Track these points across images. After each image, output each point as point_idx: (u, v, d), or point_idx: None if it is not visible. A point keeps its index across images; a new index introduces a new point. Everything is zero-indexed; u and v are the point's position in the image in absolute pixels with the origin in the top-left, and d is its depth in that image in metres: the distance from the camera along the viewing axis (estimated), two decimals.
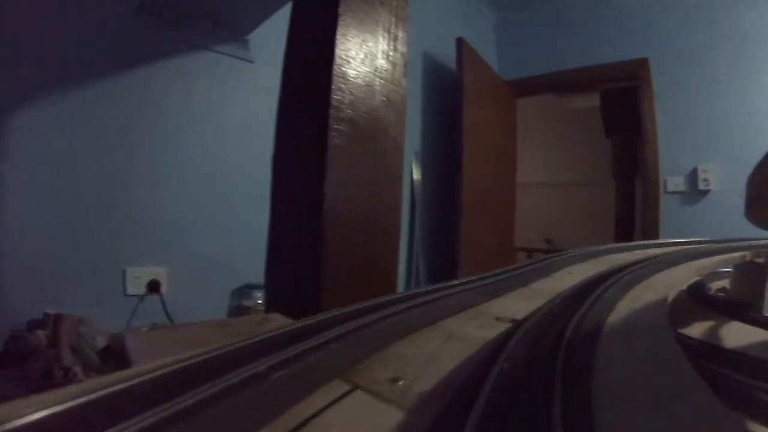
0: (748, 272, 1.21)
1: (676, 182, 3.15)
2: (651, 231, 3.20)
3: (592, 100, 4.68)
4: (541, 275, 0.85)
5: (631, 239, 4.64)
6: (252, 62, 2.26)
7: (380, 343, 0.41)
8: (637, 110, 3.44)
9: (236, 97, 2.22)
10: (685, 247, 1.33)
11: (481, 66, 3.28)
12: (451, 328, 0.47)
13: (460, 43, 3.03)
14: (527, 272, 0.84)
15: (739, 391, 0.56)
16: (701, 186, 3.06)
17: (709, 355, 0.64)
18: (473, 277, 0.69)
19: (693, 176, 3.11)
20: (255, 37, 2.25)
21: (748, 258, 1.21)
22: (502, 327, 0.48)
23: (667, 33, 3.26)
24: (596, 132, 5.04)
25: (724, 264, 1.16)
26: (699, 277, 1.13)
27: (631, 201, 4.74)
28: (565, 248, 3.86)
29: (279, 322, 0.62)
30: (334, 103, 0.78)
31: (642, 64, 3.32)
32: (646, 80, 3.31)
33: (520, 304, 0.59)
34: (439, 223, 3.13)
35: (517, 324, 0.47)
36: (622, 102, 4.46)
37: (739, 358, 0.74)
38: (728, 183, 3.00)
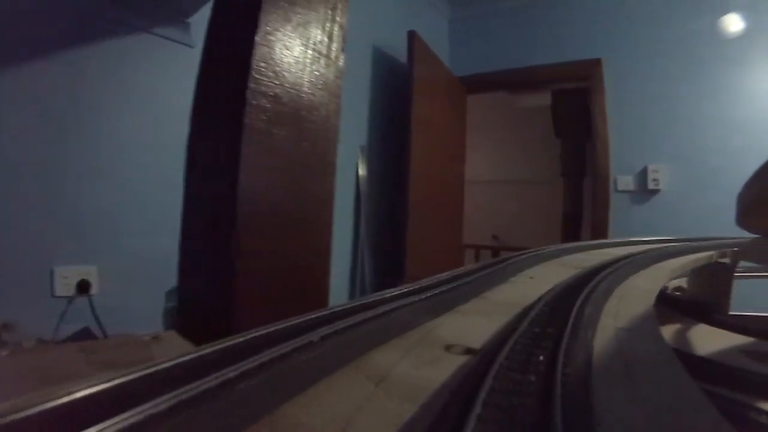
0: (714, 273, 1.14)
1: (626, 181, 3.14)
2: (600, 229, 3.18)
3: (544, 99, 4.66)
4: (497, 281, 0.73)
5: (578, 237, 4.66)
6: (192, 47, 2.05)
7: (274, 399, 0.27)
8: (589, 110, 3.41)
9: (176, 84, 2.01)
10: (647, 246, 1.23)
11: (432, 60, 3.17)
12: (383, 366, 0.34)
13: (411, 36, 2.91)
14: (481, 277, 0.71)
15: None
16: (651, 186, 3.06)
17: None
18: (415, 285, 0.55)
19: (643, 176, 3.11)
20: (197, 20, 2.05)
21: (714, 258, 1.13)
22: (456, 361, 0.34)
23: (620, 35, 3.26)
24: (546, 131, 5.03)
25: (693, 265, 1.06)
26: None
27: (579, 199, 4.75)
28: (513, 245, 3.81)
29: (168, 346, 0.49)
30: (254, 74, 0.64)
31: (595, 64, 3.30)
32: (599, 80, 3.28)
33: (476, 322, 0.46)
34: (386, 220, 3.01)
35: (478, 358, 0.34)
36: (573, 102, 4.44)
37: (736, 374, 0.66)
38: (677, 183, 3.02)
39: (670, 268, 0.93)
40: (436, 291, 0.54)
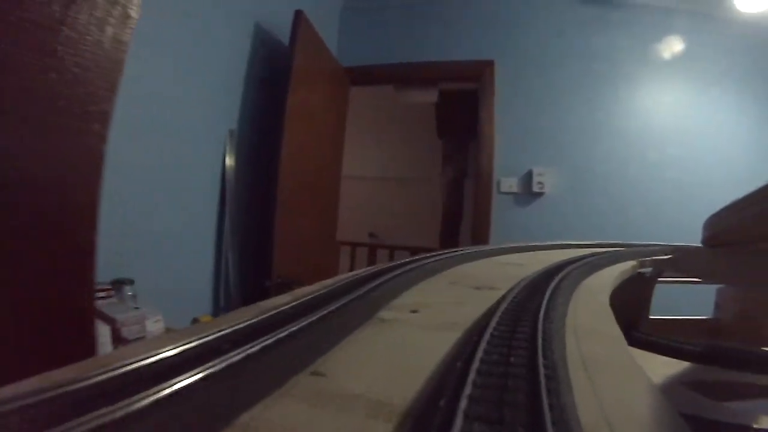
0: (633, 285, 1.01)
1: (509, 183, 3.14)
2: (481, 230, 3.13)
3: (432, 96, 4.54)
4: (403, 287, 0.51)
5: (457, 237, 4.63)
6: None
7: None
8: (475, 111, 3.35)
9: None
10: (573, 251, 1.09)
11: (317, 45, 2.91)
12: None
13: (298, 16, 2.61)
14: (385, 285, 0.53)
15: None
16: (535, 188, 3.08)
17: None
18: (284, 303, 0.38)
19: (528, 178, 3.12)
20: None
21: (635, 269, 0.99)
22: None
23: (515, 40, 3.27)
24: (429, 129, 4.95)
25: (620, 277, 0.91)
26: None
27: (459, 199, 4.72)
28: (391, 243, 3.64)
29: None
30: None
31: (487, 65, 3.26)
32: (490, 82, 3.25)
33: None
34: (256, 215, 2.69)
35: None
36: (458, 103, 4.38)
37: None
38: (563, 187, 3.08)
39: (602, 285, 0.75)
40: (324, 309, 0.38)
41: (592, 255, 0.98)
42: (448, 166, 4.87)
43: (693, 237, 3.13)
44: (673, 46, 3.22)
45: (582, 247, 1.40)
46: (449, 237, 4.82)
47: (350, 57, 3.51)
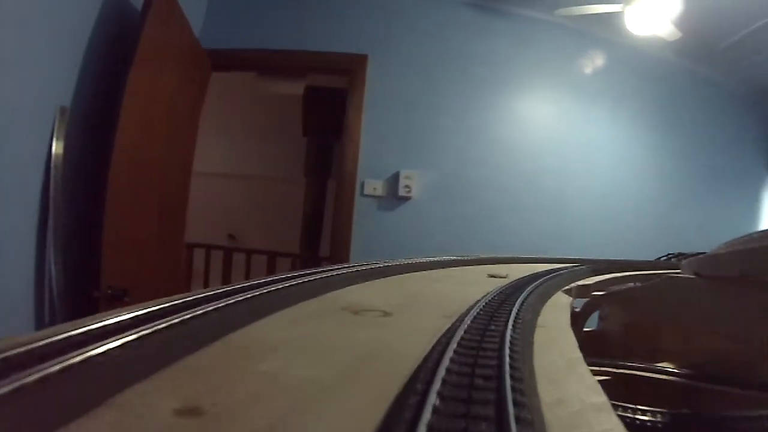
0: None
1: (373, 186, 2.98)
2: (342, 234, 2.97)
3: (297, 88, 4.34)
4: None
5: (318, 240, 4.48)
6: None
7: None
8: (344, 107, 3.17)
9: None
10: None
11: (176, 18, 2.54)
12: None
13: None
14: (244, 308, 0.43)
15: None
16: (402, 192, 2.96)
17: None
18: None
19: (394, 181, 2.99)
20: None
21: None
22: None
23: (392, 34, 3.14)
24: (293, 127, 4.74)
25: None
26: None
27: (322, 201, 4.57)
28: (251, 246, 3.39)
29: None
30: None
31: (361, 60, 3.09)
32: (361, 77, 3.08)
33: None
34: (89, 211, 2.28)
35: None
36: (327, 100, 4.22)
37: None
38: (431, 192, 3.00)
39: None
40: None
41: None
42: (312, 166, 4.70)
43: (565, 246, 3.08)
44: (556, 61, 3.34)
45: (493, 263, 1.37)
46: (310, 242, 4.66)
47: (215, 38, 3.14)
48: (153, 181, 2.61)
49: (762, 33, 4.35)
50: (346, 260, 2.88)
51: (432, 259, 1.16)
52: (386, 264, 0.94)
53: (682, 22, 3.59)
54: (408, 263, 1.03)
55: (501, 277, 0.92)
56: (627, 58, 3.82)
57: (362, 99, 3.07)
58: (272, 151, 5.28)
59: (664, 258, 2.91)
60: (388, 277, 0.87)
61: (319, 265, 4.14)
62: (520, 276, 0.88)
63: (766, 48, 4.63)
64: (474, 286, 0.79)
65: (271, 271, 4.13)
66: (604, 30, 3.44)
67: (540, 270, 1.00)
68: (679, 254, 2.85)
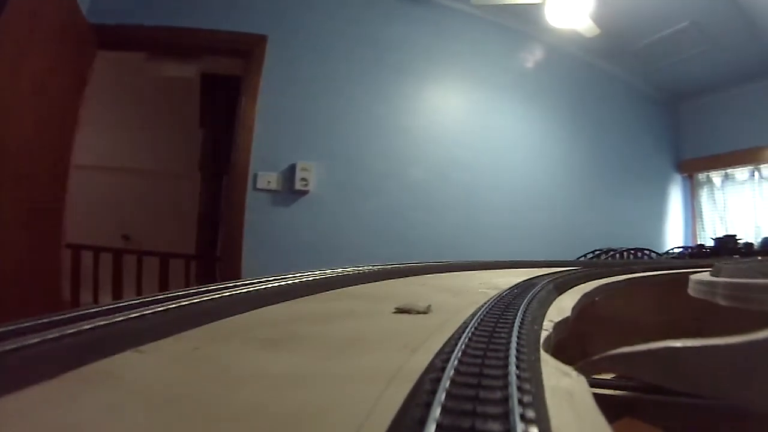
0: None
1: (267, 179, 2.66)
2: (234, 233, 2.64)
3: (188, 71, 3.94)
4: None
5: (215, 241, 4.13)
6: None
7: None
8: (238, 92, 2.86)
9: None
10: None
11: None
12: None
13: None
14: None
15: None
16: (298, 185, 2.67)
17: None
18: None
19: (290, 174, 2.69)
20: None
21: None
22: None
23: (294, 15, 2.85)
24: (189, 117, 4.35)
25: None
26: None
27: (218, 198, 4.21)
28: (147, 247, 3.00)
29: None
30: None
31: (259, 41, 2.79)
32: (259, 59, 2.79)
33: None
34: None
35: None
36: (224, 89, 3.87)
37: None
38: (330, 186, 2.72)
39: None
40: None
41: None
42: (207, 160, 4.33)
43: (478, 242, 2.98)
44: (472, 52, 3.23)
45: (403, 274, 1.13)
46: (207, 242, 4.28)
47: (102, 12, 2.75)
48: (17, 173, 2.20)
49: (674, 38, 4.43)
50: (238, 262, 2.59)
51: (324, 275, 0.94)
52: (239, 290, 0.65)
53: (599, 20, 3.59)
54: (285, 285, 0.76)
55: (418, 313, 0.60)
56: (543, 53, 3.77)
57: (258, 83, 2.77)
58: (168, 143, 4.85)
59: (591, 255, 2.84)
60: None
61: (214, 268, 3.82)
62: (451, 306, 0.63)
63: (677, 52, 4.76)
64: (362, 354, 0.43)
65: (164, 274, 3.76)
66: (522, 24, 3.39)
67: (481, 290, 0.82)
68: (609, 251, 2.82)
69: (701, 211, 6.06)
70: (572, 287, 0.93)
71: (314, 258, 2.54)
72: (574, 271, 1.19)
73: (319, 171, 2.68)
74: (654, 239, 5.30)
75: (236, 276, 2.54)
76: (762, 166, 5.56)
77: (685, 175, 6.17)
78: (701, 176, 6.11)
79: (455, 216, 2.95)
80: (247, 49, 2.85)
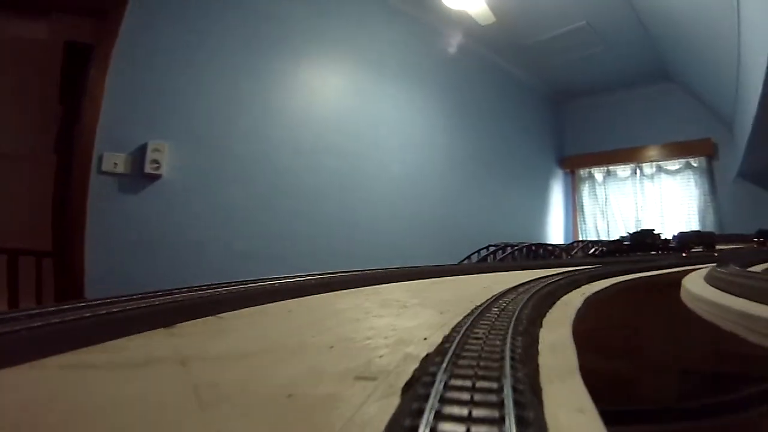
0: None
1: (114, 160, 2.32)
2: (73, 223, 2.29)
3: (39, 31, 3.44)
4: None
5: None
6: None
7: None
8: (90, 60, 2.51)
9: None
10: None
11: None
12: None
13: None
14: None
15: None
16: (149, 169, 2.33)
17: None
18: None
19: (140, 155, 2.35)
20: None
21: None
22: None
23: None
24: (48, 90, 3.84)
25: None
26: None
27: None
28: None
29: None
30: None
31: (118, 1, 2.46)
32: (114, 23, 2.45)
33: None
34: None
35: None
36: (82, 62, 3.42)
37: None
38: (187, 170, 2.40)
39: None
40: None
41: None
42: (65, 140, 3.85)
43: (355, 234, 2.77)
44: (357, 32, 3.08)
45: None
46: (62, 233, 3.81)
47: None
48: None
49: (569, 36, 4.51)
50: (80, 258, 2.24)
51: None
52: None
53: (496, 10, 3.54)
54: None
55: None
56: (434, 41, 3.67)
57: (111, 51, 2.44)
58: (21, 121, 4.29)
59: (484, 250, 2.70)
60: None
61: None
62: None
63: (570, 51, 4.88)
64: None
65: (13, 275, 3.29)
66: (416, 8, 3.24)
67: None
68: (506, 245, 2.69)
69: (582, 206, 6.33)
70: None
71: (166, 254, 2.24)
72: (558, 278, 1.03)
73: (174, 153, 2.37)
74: (540, 233, 5.42)
75: (75, 277, 2.22)
76: (643, 164, 5.87)
77: (567, 170, 6.45)
78: (583, 172, 6.39)
79: (329, 206, 2.74)
80: (102, 9, 2.50)
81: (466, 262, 2.48)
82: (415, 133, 3.44)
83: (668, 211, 5.72)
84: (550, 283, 0.93)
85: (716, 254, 2.36)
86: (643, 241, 2.81)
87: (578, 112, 6.43)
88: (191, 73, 2.44)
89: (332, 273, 1.11)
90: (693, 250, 2.85)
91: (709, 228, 5.05)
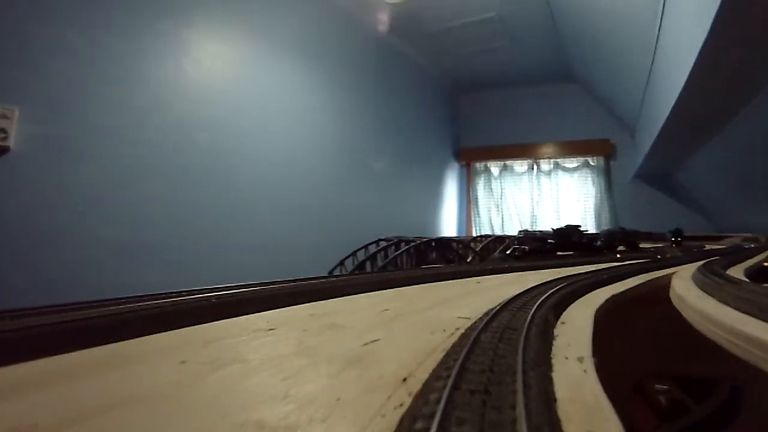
0: None
1: None
2: None
3: None
4: None
5: None
6: None
7: None
8: None
9: None
10: None
11: None
12: None
13: None
14: None
15: None
16: None
17: None
18: None
19: None
20: None
21: None
22: None
23: None
24: None
25: None
26: None
27: None
28: None
29: None
30: None
31: None
32: None
33: None
34: None
35: None
36: None
37: None
38: (39, 140, 2.06)
39: None
40: None
41: None
42: None
43: (229, 220, 2.65)
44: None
45: None
46: None
47: None
48: None
49: (478, 27, 4.55)
50: None
51: None
52: None
53: None
54: None
55: None
56: (336, 16, 3.51)
57: None
58: None
59: (373, 246, 2.44)
60: None
61: None
62: None
63: (476, 42, 4.93)
64: None
65: None
66: None
67: None
68: (399, 240, 2.37)
69: (477, 199, 6.46)
70: None
71: (13, 247, 1.93)
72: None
73: (25, 120, 2.05)
74: (434, 227, 5.42)
75: None
76: (541, 160, 6.03)
77: (463, 163, 6.56)
78: (479, 165, 6.52)
79: (201, 188, 2.55)
80: None
81: (351, 258, 2.27)
82: (306, 115, 3.26)
83: (564, 208, 5.95)
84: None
85: (661, 255, 1.98)
86: (569, 239, 2.46)
87: (478, 104, 6.53)
88: (50, 26, 2.13)
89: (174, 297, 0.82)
90: (618, 248, 2.62)
91: (605, 226, 5.27)
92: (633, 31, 2.99)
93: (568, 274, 1.13)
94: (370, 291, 0.93)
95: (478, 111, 6.46)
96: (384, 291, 0.95)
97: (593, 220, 5.60)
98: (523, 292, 0.79)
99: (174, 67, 2.51)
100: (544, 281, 0.94)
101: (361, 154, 3.93)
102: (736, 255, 1.77)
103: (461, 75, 5.99)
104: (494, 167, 6.34)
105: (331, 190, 3.52)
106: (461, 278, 1.16)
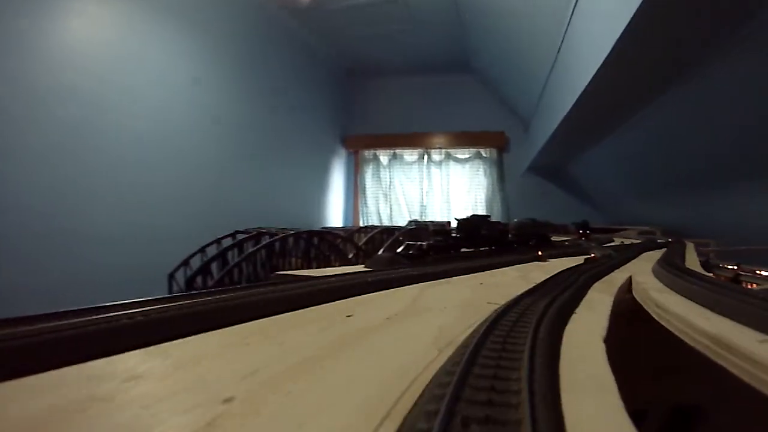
0: None
1: None
2: None
3: None
4: None
5: None
6: None
7: None
8: None
9: None
10: None
11: None
12: None
13: None
14: None
15: None
16: None
17: None
18: None
19: None
20: None
21: None
22: None
23: None
24: None
25: None
26: None
27: None
28: None
29: None
30: None
31: None
32: None
33: None
34: None
35: None
36: None
37: None
38: None
39: None
40: None
41: None
42: None
43: (89, 201, 2.36)
44: None
45: None
46: None
47: None
48: None
49: (379, 9, 4.46)
50: None
51: None
52: None
53: None
54: None
55: None
56: None
57: None
58: None
59: (229, 239, 2.24)
60: None
61: None
62: None
63: (375, 24, 4.83)
64: None
65: None
66: None
67: None
68: (259, 233, 2.20)
69: (365, 188, 6.40)
70: None
71: None
72: None
73: None
74: (318, 216, 5.31)
75: None
76: (432, 150, 6.07)
77: (351, 150, 6.49)
78: (368, 153, 6.47)
79: (56, 170, 2.30)
80: None
81: (198, 255, 2.08)
82: (182, 89, 3.04)
83: (455, 198, 6.07)
84: None
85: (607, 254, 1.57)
86: (478, 231, 1.94)
87: (369, 91, 6.48)
88: None
89: None
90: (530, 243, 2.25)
91: (497, 217, 5.37)
92: (538, 30, 3.07)
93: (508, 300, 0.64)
94: None
95: (370, 98, 6.42)
96: None
97: (484, 211, 5.70)
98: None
99: (33, 25, 2.17)
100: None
101: (242, 137, 3.77)
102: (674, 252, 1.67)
103: (356, 59, 5.93)
104: (383, 156, 6.34)
105: (210, 174, 3.33)
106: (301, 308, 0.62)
